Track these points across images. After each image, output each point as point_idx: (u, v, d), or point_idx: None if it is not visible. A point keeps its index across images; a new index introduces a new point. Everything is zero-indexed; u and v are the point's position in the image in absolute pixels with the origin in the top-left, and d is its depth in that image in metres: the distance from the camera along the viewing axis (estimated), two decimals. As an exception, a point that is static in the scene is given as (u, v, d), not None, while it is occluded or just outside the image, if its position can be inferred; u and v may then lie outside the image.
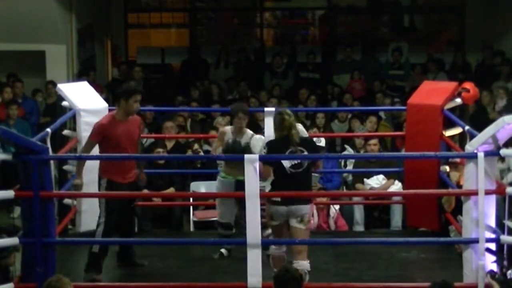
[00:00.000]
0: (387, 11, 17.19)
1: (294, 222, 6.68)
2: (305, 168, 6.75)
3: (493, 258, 6.51)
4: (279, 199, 6.68)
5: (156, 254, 7.75)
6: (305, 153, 6.77)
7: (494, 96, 12.13)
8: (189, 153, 9.66)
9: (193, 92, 13.10)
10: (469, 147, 6.62)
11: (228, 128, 7.99)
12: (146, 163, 8.17)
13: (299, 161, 6.71)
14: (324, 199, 9.26)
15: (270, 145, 6.84)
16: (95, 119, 8.26)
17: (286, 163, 6.69)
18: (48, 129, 7.49)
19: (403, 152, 9.45)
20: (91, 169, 8.11)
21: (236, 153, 7.54)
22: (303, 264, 6.67)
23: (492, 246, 6.56)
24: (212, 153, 8.18)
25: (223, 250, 7.95)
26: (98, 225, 7.23)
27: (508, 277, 6.17)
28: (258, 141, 7.53)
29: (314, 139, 9.48)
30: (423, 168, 8.15)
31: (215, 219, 9.54)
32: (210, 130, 10.63)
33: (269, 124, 8.55)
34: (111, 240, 7.99)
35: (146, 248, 7.88)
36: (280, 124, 6.81)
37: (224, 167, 7.89)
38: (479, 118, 11.02)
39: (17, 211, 9.99)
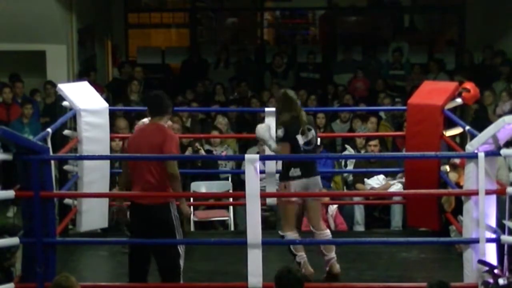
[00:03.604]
0: (387, 11, 17.20)
1: (310, 200, 7.19)
2: (314, 146, 7.23)
3: (494, 260, 6.51)
4: (299, 173, 7.01)
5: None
6: (312, 130, 7.20)
7: (496, 97, 12.13)
8: (189, 151, 9.64)
9: (188, 94, 13.09)
10: (470, 147, 6.62)
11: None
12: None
13: (311, 138, 7.16)
14: (324, 199, 9.26)
15: (286, 126, 7.08)
16: (95, 119, 8.28)
17: (300, 141, 7.09)
18: (49, 129, 7.49)
19: (403, 152, 9.44)
20: (94, 168, 8.13)
21: None
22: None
23: (492, 247, 6.56)
24: None
25: None
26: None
27: (500, 284, 6.18)
28: (265, 128, 7.42)
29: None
30: (424, 168, 8.14)
31: (215, 219, 9.58)
32: (211, 130, 10.65)
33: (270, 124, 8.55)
34: (114, 240, 8.01)
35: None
36: (291, 105, 7.19)
37: None
38: (480, 118, 11.02)
39: (12, 210, 10.05)
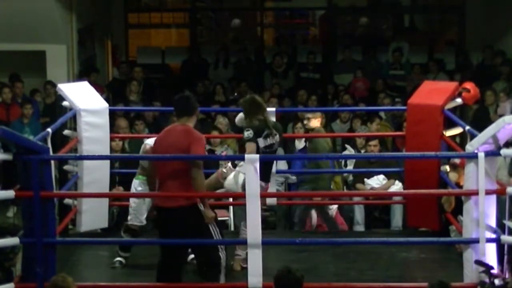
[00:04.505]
0: (387, 11, 17.19)
1: None
2: (274, 150, 7.35)
3: (493, 260, 6.51)
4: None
5: (156, 254, 7.73)
6: (277, 135, 7.30)
7: (497, 97, 12.13)
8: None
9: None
10: (470, 147, 6.62)
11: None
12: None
13: (273, 142, 7.24)
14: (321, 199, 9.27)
15: (253, 128, 7.18)
16: (95, 119, 8.28)
17: (261, 144, 7.16)
18: (49, 129, 7.48)
19: (403, 152, 9.45)
20: (94, 168, 8.12)
21: None
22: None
23: (492, 247, 6.56)
24: None
25: (119, 259, 7.72)
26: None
27: (496, 284, 6.18)
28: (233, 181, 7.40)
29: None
30: (424, 168, 8.14)
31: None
32: (211, 130, 10.64)
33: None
34: (114, 240, 8.00)
35: (146, 248, 7.87)
36: (258, 108, 7.30)
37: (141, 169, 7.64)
38: (481, 118, 11.00)
39: (12, 210, 10.05)
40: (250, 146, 7.12)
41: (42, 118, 12.07)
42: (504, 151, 6.56)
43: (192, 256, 7.08)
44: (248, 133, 7.15)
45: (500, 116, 11.02)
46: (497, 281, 6.18)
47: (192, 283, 7.02)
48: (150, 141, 7.41)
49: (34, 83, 12.87)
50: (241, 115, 7.64)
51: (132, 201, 7.69)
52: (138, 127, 11.16)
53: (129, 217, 7.68)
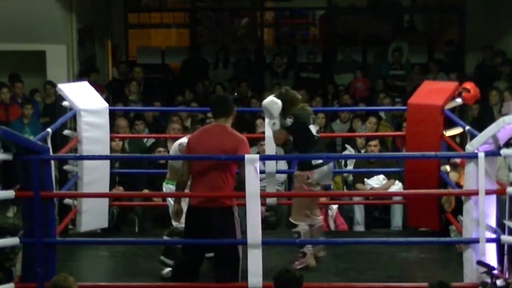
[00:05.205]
0: (387, 11, 17.20)
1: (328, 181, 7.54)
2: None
3: (493, 260, 6.51)
4: (321, 160, 7.30)
5: (156, 254, 7.74)
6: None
7: (502, 97, 12.12)
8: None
9: (188, 94, 13.12)
10: (470, 147, 6.62)
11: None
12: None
13: (317, 128, 7.59)
14: (323, 199, 9.25)
15: (296, 117, 7.31)
16: (95, 119, 8.29)
17: (313, 130, 7.37)
18: (49, 129, 7.49)
19: (403, 152, 9.45)
20: (94, 168, 8.13)
21: None
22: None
23: (492, 247, 6.56)
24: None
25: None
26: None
27: (498, 285, 6.18)
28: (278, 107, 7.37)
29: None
30: (424, 168, 8.15)
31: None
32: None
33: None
34: (114, 240, 8.01)
35: (146, 248, 7.88)
36: (295, 99, 7.43)
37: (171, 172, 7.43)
38: (485, 118, 10.99)
39: (12, 210, 10.05)
40: (282, 133, 7.31)
41: (42, 118, 12.06)
42: (504, 151, 6.56)
43: None
44: (288, 121, 7.25)
45: (504, 115, 11.01)
46: (499, 282, 6.18)
47: (191, 283, 7.03)
48: (184, 140, 7.19)
49: (34, 83, 12.87)
50: (275, 100, 7.44)
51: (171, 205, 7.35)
52: (138, 127, 11.16)
53: (173, 222, 7.34)
